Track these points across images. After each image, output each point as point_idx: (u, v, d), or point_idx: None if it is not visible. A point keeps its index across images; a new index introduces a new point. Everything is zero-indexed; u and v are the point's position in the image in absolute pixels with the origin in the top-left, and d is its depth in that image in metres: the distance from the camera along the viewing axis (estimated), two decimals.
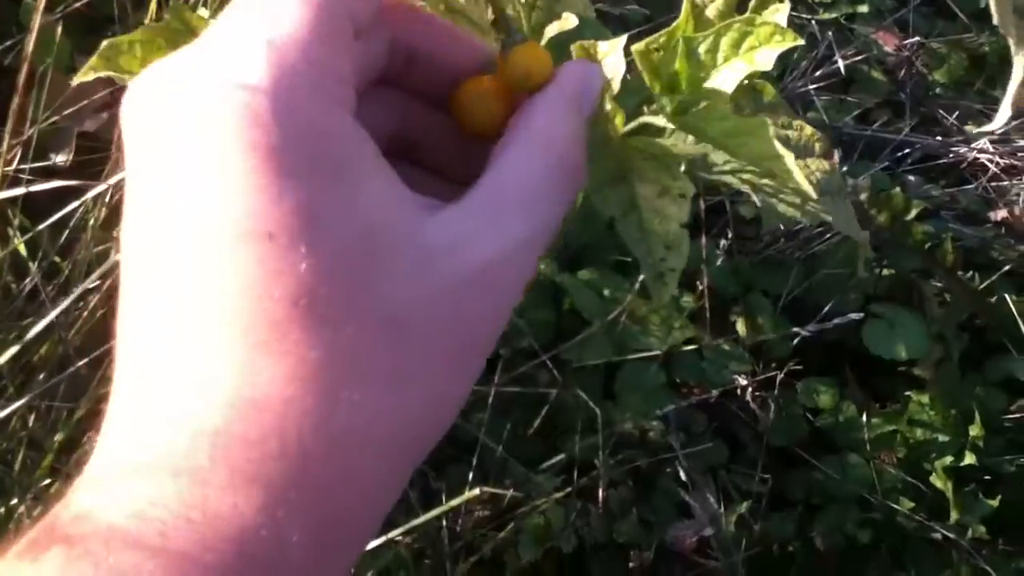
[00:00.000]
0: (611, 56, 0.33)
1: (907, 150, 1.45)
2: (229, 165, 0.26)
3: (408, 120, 0.33)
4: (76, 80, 0.32)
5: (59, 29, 0.76)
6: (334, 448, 0.25)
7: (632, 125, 0.35)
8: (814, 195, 0.30)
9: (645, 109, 0.35)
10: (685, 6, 0.33)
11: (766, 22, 0.32)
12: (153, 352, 0.26)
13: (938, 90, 1.55)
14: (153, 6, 0.86)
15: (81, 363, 0.67)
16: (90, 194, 0.65)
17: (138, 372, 0.26)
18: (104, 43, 0.33)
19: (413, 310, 0.27)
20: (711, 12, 0.35)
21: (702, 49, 0.33)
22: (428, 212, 0.28)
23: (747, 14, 0.34)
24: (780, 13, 0.34)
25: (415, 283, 0.27)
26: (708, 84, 0.33)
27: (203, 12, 0.35)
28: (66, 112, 0.82)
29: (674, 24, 0.34)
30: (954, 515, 1.09)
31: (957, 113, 1.52)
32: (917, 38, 1.54)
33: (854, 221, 0.34)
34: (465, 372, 0.29)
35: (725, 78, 0.32)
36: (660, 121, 0.34)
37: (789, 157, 0.30)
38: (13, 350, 0.73)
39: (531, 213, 0.29)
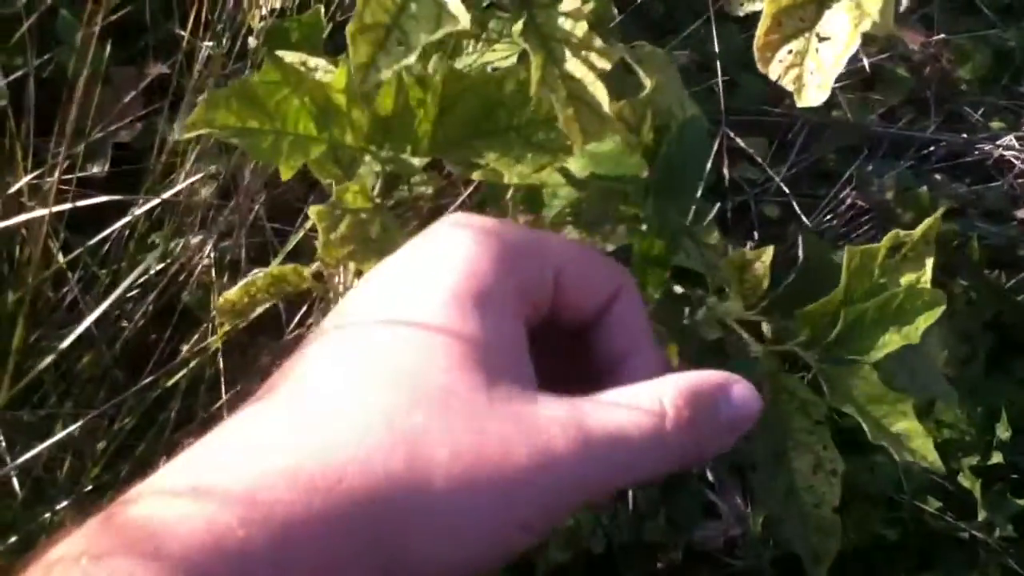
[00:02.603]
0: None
1: (932, 148, 1.44)
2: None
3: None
4: (182, 136, 0.34)
5: (108, 48, 0.77)
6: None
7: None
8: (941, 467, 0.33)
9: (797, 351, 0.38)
10: (844, 271, 0.36)
11: (917, 291, 0.34)
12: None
13: (963, 87, 1.54)
14: (191, 21, 0.88)
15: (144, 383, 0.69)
16: (140, 211, 0.67)
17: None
18: (202, 98, 0.34)
19: (433, 437, 0.29)
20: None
21: (855, 313, 0.36)
22: (528, 384, 0.31)
23: (904, 284, 0.36)
24: (927, 266, 0.36)
25: (450, 418, 0.29)
26: (857, 345, 0.35)
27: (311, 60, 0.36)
28: (106, 125, 0.84)
29: (834, 292, 0.37)
30: (982, 514, 1.10)
31: (982, 110, 1.51)
32: (942, 35, 1.53)
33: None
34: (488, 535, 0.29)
35: (875, 341, 0.35)
36: (811, 361, 0.37)
37: (928, 444, 0.32)
38: (50, 358, 0.75)
39: (598, 458, 0.30)
